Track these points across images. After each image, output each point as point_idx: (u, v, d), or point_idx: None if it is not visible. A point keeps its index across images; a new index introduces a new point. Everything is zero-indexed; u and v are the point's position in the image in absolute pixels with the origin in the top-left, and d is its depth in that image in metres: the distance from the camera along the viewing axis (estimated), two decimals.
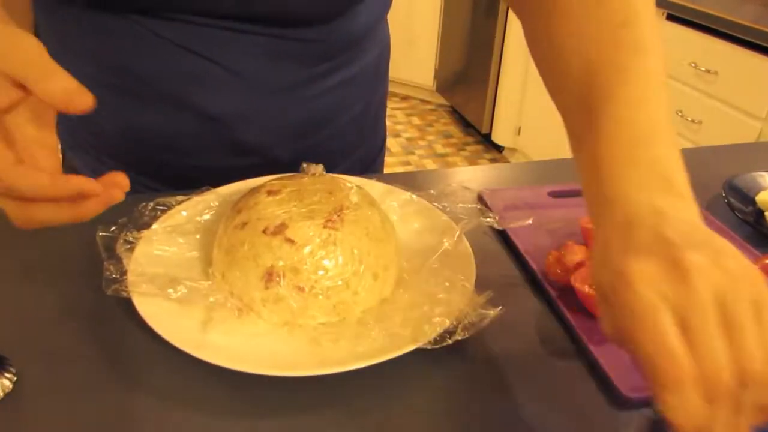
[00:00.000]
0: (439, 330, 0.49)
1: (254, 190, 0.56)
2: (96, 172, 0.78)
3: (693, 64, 1.87)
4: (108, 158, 0.74)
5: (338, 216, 0.53)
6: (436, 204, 0.66)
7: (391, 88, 3.85)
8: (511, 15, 2.80)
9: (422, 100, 3.78)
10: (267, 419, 0.46)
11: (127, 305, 0.51)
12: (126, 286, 0.51)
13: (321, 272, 0.51)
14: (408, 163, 3.05)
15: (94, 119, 0.63)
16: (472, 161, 3.11)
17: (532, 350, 0.53)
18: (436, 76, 3.61)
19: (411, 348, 0.48)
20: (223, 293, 0.52)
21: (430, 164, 3.05)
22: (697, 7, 1.85)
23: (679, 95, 1.95)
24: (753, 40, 1.70)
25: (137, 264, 0.54)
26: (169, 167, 0.72)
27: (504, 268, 0.63)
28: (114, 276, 0.52)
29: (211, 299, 0.51)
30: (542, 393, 0.49)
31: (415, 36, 3.56)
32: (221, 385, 0.48)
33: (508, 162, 3.11)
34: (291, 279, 0.51)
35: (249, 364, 0.46)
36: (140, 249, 0.55)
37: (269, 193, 0.55)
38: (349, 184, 0.59)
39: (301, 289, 0.51)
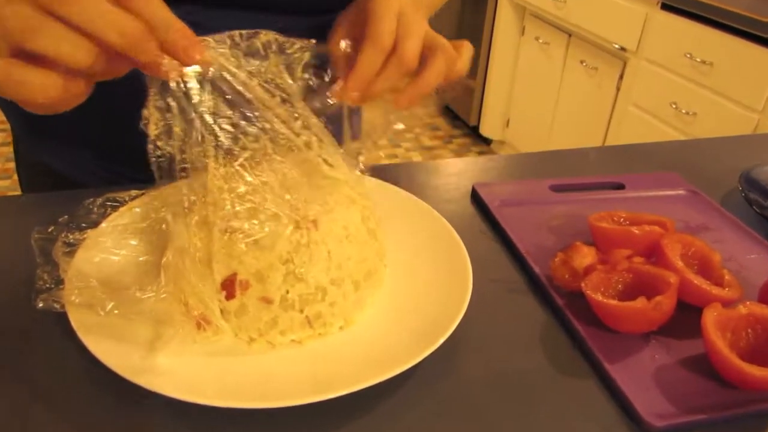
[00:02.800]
0: (432, 348, 0.42)
1: (214, 179, 0.48)
2: (70, 163, 0.70)
3: (688, 55, 1.81)
4: (84, 147, 0.66)
5: (314, 214, 0.46)
6: (426, 199, 0.59)
7: None
8: (500, 7, 2.73)
9: None
10: None
11: (65, 320, 0.43)
12: (60, 298, 0.43)
13: (292, 280, 0.43)
14: (394, 156, 2.97)
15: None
16: (459, 154, 3.04)
17: (537, 367, 0.46)
18: None
19: (401, 369, 0.41)
20: (177, 305, 0.44)
21: (416, 157, 2.98)
22: None
23: (673, 87, 1.89)
24: (750, 30, 1.64)
25: (77, 271, 0.46)
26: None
27: (503, 271, 0.56)
28: (47, 285, 0.44)
29: (162, 312, 0.43)
30: (550, 417, 0.42)
31: None
32: (173, 419, 0.40)
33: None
34: (256, 289, 0.43)
35: (203, 393, 0.38)
36: (82, 253, 0.47)
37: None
38: (329, 173, 0.51)
39: (268, 301, 0.43)
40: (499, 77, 2.86)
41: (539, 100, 2.63)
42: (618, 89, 2.14)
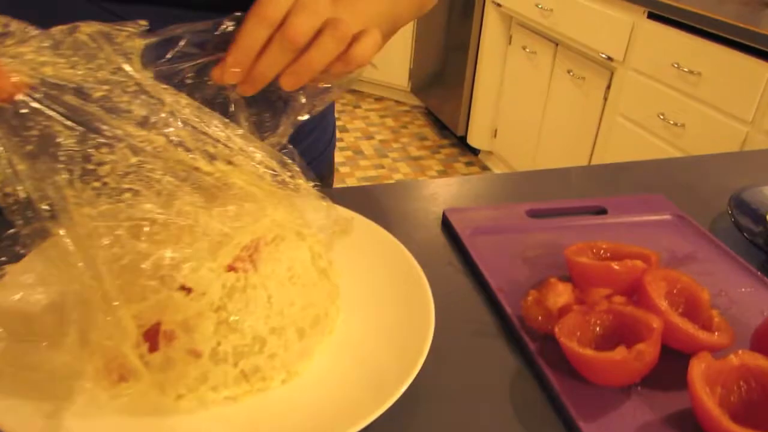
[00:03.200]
0: (388, 404, 0.37)
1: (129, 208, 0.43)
2: None
3: (675, 65, 1.78)
4: None
5: (252, 253, 0.40)
6: (393, 226, 0.54)
7: (365, 89, 3.72)
8: (487, 16, 2.69)
9: (397, 101, 3.66)
10: None
11: None
12: None
13: (225, 331, 0.38)
14: (381, 167, 2.93)
15: None
16: (447, 164, 2.99)
17: (506, 423, 0.41)
18: (410, 77, 3.49)
19: (353, 430, 0.35)
20: (91, 357, 0.39)
21: (404, 167, 2.93)
22: (679, 5, 1.76)
23: (660, 97, 1.85)
24: (738, 40, 1.61)
25: None
26: None
27: (472, 311, 0.51)
28: None
29: (73, 366, 0.38)
30: None
31: None
32: None
33: (485, 165, 3.00)
34: (183, 340, 0.38)
35: None
36: None
37: (154, 220, 0.42)
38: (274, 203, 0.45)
39: (197, 354, 0.38)
40: (487, 87, 2.82)
41: (527, 109, 2.59)
42: (605, 99, 2.11)
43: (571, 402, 0.41)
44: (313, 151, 0.74)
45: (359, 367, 0.42)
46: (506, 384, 0.44)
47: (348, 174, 2.84)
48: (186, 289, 0.38)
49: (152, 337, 0.38)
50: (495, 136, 2.88)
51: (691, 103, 1.77)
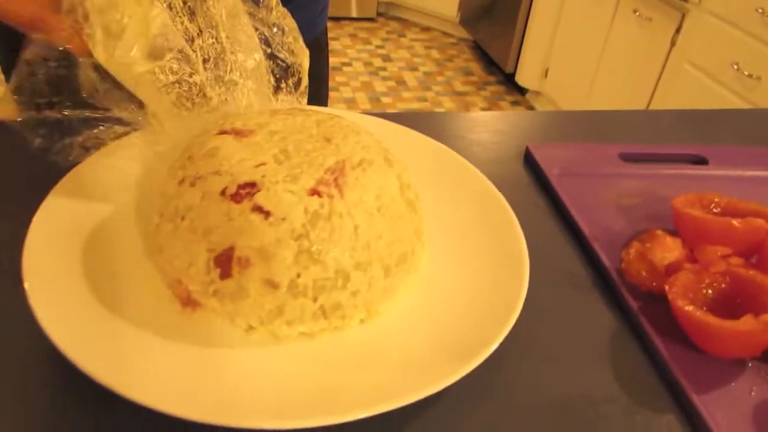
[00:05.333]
0: (474, 364, 0.33)
1: (214, 128, 0.38)
2: None
3: (759, 10, 1.64)
4: None
5: (338, 177, 0.36)
6: (467, 158, 0.49)
7: (411, 17, 3.57)
8: None
9: (444, 33, 3.51)
10: None
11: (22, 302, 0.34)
12: None
13: (306, 261, 0.34)
14: (424, 99, 2.83)
15: None
16: (492, 102, 2.88)
17: (604, 393, 0.36)
18: (460, 7, 3.33)
19: (433, 390, 0.32)
20: (163, 278, 0.35)
21: (447, 102, 2.83)
22: None
23: (737, 45, 1.72)
24: None
25: (39, 227, 0.37)
26: None
27: (563, 260, 0.46)
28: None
29: (145, 287, 0.34)
30: None
31: None
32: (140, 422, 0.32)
33: (531, 106, 2.88)
34: (259, 268, 0.33)
35: (183, 404, 0.29)
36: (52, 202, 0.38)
37: (237, 134, 0.37)
38: (354, 128, 0.41)
39: (274, 285, 0.34)
40: (542, 22, 2.67)
41: (583, 50, 2.45)
42: (673, 44, 1.97)
43: (682, 371, 0.36)
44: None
45: (443, 316, 0.37)
46: (604, 344, 0.39)
47: (389, 105, 2.76)
48: (264, 213, 0.34)
49: (224, 263, 0.34)
50: (545, 76, 2.75)
51: None
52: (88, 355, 0.30)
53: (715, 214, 0.46)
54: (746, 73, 1.69)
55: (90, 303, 0.34)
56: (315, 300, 0.34)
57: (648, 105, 2.10)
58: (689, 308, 0.37)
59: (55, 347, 0.30)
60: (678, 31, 1.95)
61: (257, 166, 0.35)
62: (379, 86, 2.89)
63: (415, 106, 2.79)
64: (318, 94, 0.79)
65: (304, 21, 0.65)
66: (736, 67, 1.72)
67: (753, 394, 0.36)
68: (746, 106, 1.71)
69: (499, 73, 3.09)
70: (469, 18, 3.29)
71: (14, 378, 0.33)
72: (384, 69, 3.04)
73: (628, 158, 0.57)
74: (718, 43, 1.79)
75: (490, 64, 3.19)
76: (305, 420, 0.29)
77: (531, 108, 2.88)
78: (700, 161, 0.58)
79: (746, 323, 0.35)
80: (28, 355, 0.34)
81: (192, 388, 0.31)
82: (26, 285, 0.33)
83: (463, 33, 3.45)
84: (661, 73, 2.03)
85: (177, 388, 0.31)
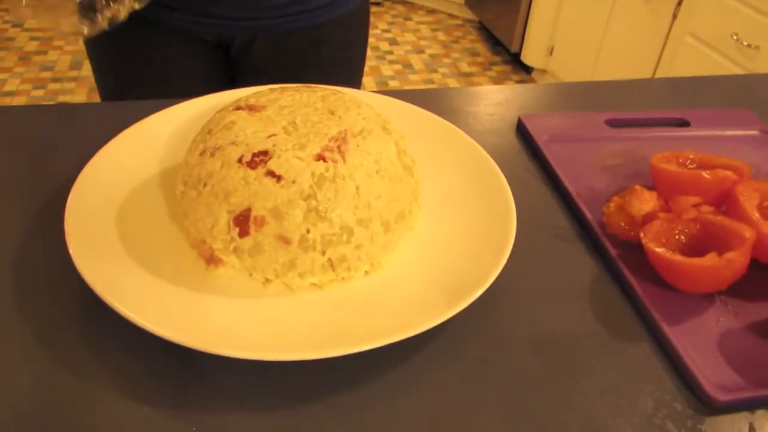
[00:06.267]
0: (467, 302, 0.37)
1: (231, 105, 0.43)
2: None
3: None
4: None
5: (340, 144, 0.40)
6: (464, 129, 0.53)
7: (417, 0, 3.59)
8: None
9: (449, 15, 3.53)
10: (229, 413, 0.34)
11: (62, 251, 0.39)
12: None
13: (314, 219, 0.38)
14: (431, 81, 2.86)
15: None
16: (498, 82, 2.91)
17: (585, 328, 0.41)
18: None
19: (430, 325, 0.36)
20: (189, 237, 0.40)
21: (453, 83, 2.86)
22: None
23: (736, 16, 1.73)
24: None
25: (80, 194, 0.41)
26: None
27: (549, 215, 0.50)
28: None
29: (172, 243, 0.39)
30: (597, 387, 0.37)
31: None
32: (169, 357, 0.36)
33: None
34: (273, 226, 0.38)
35: (210, 341, 0.34)
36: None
37: (250, 109, 0.42)
38: (356, 101, 0.45)
39: (286, 241, 0.38)
40: (546, 0, 2.68)
41: (587, 27, 2.46)
42: (674, 16, 1.99)
43: (654, 306, 0.41)
44: None
45: (439, 265, 0.42)
46: (586, 288, 0.44)
47: (397, 88, 2.79)
48: (276, 177, 0.38)
49: (243, 222, 0.38)
50: (551, 54, 2.77)
51: None
52: (129, 302, 0.35)
53: (690, 169, 0.50)
54: (745, 43, 1.71)
55: (127, 263, 0.39)
56: (323, 253, 0.39)
57: (653, 77, 2.12)
58: (660, 249, 0.41)
59: (100, 299, 0.35)
60: (679, 3, 1.96)
61: (269, 136, 0.40)
62: (386, 70, 2.92)
63: (422, 88, 2.81)
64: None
65: None
66: (735, 37, 1.73)
67: (719, 324, 0.40)
68: (756, 72, 1.72)
69: (505, 53, 3.11)
70: None
71: (56, 322, 0.38)
72: (391, 53, 3.07)
73: (614, 124, 0.61)
74: (718, 14, 1.81)
75: (495, 44, 3.20)
76: (317, 352, 0.34)
77: None
78: (683, 124, 0.62)
79: (710, 260, 0.40)
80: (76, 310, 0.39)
81: (219, 331, 0.36)
82: (70, 249, 0.38)
83: (468, 14, 3.46)
84: (664, 46, 2.05)
85: (206, 331, 0.35)
